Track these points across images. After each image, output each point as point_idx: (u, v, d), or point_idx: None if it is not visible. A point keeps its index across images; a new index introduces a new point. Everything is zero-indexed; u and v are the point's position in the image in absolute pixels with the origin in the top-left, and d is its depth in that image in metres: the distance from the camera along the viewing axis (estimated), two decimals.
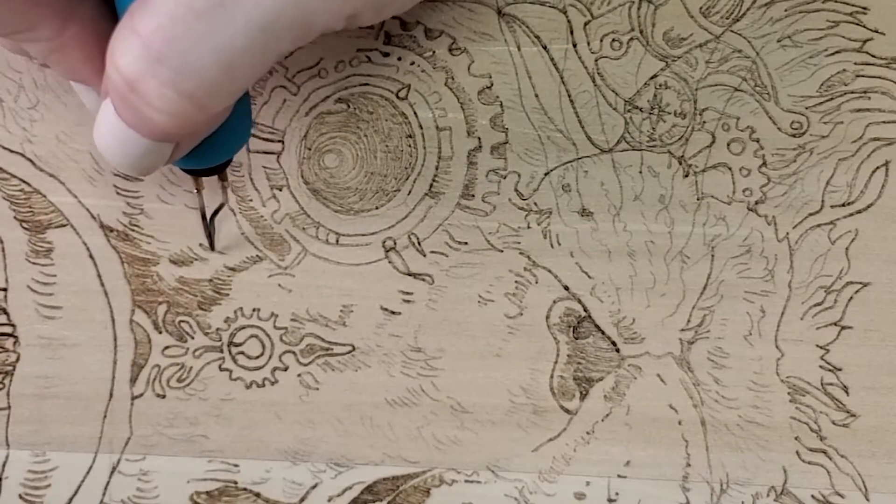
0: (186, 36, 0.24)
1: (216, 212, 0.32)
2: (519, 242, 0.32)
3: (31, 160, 0.32)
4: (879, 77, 0.32)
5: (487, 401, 0.32)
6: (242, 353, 0.32)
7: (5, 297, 0.32)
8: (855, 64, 0.32)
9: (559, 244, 0.32)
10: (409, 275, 0.32)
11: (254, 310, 0.32)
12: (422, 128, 0.32)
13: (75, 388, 0.32)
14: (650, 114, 0.32)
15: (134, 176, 0.28)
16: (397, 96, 0.32)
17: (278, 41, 0.25)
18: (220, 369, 0.32)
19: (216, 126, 0.28)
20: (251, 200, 0.32)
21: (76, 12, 0.27)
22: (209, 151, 0.28)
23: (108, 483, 0.32)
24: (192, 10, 0.24)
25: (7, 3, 0.25)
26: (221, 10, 0.24)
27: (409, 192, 0.32)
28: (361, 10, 0.26)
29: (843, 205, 0.32)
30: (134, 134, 0.25)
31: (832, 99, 0.32)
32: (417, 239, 0.32)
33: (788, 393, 0.32)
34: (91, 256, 0.32)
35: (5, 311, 0.32)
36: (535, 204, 0.32)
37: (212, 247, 0.32)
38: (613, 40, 0.32)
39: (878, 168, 0.32)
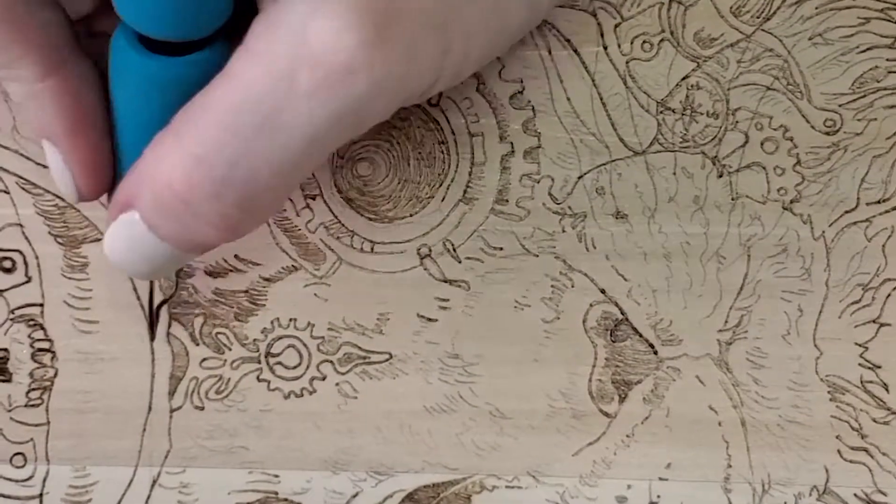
0: (246, 154, 0.24)
1: (164, 301, 0.32)
2: (554, 247, 0.32)
3: None
4: None
5: (526, 406, 0.33)
6: (280, 363, 0.33)
7: (42, 312, 0.32)
8: (887, 60, 0.32)
9: (594, 247, 0.32)
10: (445, 281, 0.33)
11: (290, 320, 0.33)
12: (454, 134, 0.32)
13: (114, 402, 0.32)
14: (683, 115, 0.32)
15: (140, 278, 0.28)
16: (429, 103, 0.32)
17: (333, 144, 0.25)
18: (258, 380, 0.33)
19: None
20: (285, 210, 0.32)
21: (62, 64, 0.27)
22: None
23: (148, 496, 0.32)
24: (248, 126, 0.24)
25: None
26: (278, 125, 0.24)
27: (443, 198, 0.32)
28: (409, 102, 0.27)
29: (879, 202, 0.32)
30: (165, 246, 0.25)
31: (865, 96, 0.32)
32: (452, 245, 0.32)
33: (828, 392, 0.33)
34: None
35: (42, 327, 0.32)
36: (570, 207, 0.32)
37: (152, 336, 0.32)
38: (644, 42, 0.32)
39: None
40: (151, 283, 0.32)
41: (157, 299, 0.33)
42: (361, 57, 0.23)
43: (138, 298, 0.33)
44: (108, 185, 0.28)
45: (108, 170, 0.28)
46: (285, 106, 0.23)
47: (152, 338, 0.32)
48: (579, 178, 0.32)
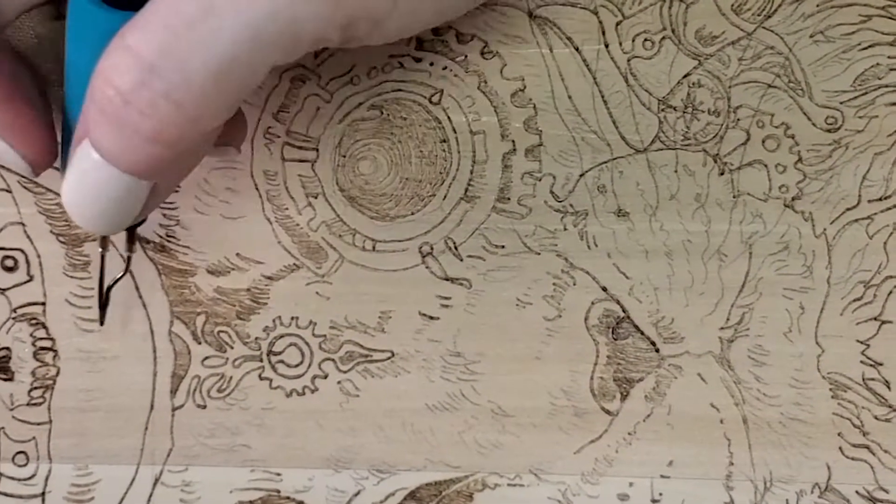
0: (178, 45, 0.24)
1: (114, 282, 0.32)
2: (556, 244, 0.32)
3: None
4: None
5: (528, 404, 0.33)
6: (282, 361, 0.33)
7: (44, 311, 0.33)
8: (888, 58, 0.32)
9: (596, 245, 0.32)
10: (447, 279, 0.33)
11: (292, 318, 0.33)
12: (456, 132, 0.32)
13: (116, 400, 0.33)
14: (684, 112, 0.32)
15: (103, 233, 0.28)
16: (430, 101, 0.32)
17: (268, 50, 0.25)
18: (260, 378, 0.33)
19: (193, 166, 0.28)
20: (287, 209, 0.32)
21: None
22: None
23: (151, 495, 0.33)
24: (183, 19, 0.24)
25: None
26: (211, 17, 0.24)
27: (445, 196, 0.32)
28: (355, 20, 0.26)
29: (881, 199, 0.32)
30: (113, 171, 0.25)
31: (866, 93, 0.32)
32: (454, 243, 0.32)
33: (830, 389, 0.33)
34: (129, 269, 0.32)
35: (44, 326, 0.33)
36: (571, 205, 0.32)
37: (101, 320, 0.32)
38: (645, 40, 0.32)
39: None
40: (102, 262, 0.32)
41: (161, 298, 0.33)
42: None
43: (140, 297, 0.33)
44: (54, 148, 0.28)
45: (49, 133, 0.28)
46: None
47: (101, 322, 0.32)
48: (581, 175, 0.33)
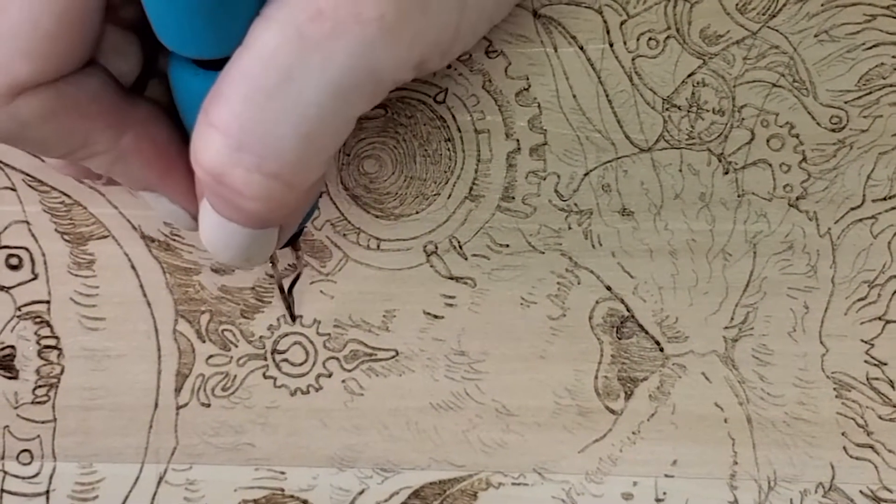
0: (261, 117, 0.24)
1: (294, 282, 0.32)
2: (560, 244, 0.33)
3: None
4: None
5: (532, 403, 0.33)
6: (286, 360, 0.33)
7: (48, 309, 0.33)
8: (893, 57, 0.32)
9: (600, 244, 0.33)
10: (451, 278, 0.33)
11: (296, 317, 0.33)
12: (460, 131, 0.32)
13: (120, 398, 0.33)
14: (689, 112, 0.32)
15: (250, 266, 0.28)
16: (435, 100, 0.32)
17: (351, 103, 0.25)
18: (265, 377, 0.33)
19: (314, 200, 0.28)
20: None
21: (128, 119, 0.27)
22: None
23: (155, 493, 0.33)
24: (263, 90, 0.24)
25: (54, 121, 0.26)
26: (290, 83, 0.24)
27: (449, 195, 0.32)
28: (427, 56, 0.26)
29: (885, 199, 0.33)
30: (235, 226, 0.26)
31: (871, 93, 0.32)
32: (458, 242, 0.33)
33: (834, 389, 0.33)
34: (133, 267, 0.33)
35: (49, 324, 0.33)
36: (576, 205, 0.33)
37: (293, 318, 0.32)
38: (650, 39, 0.32)
39: None
40: (277, 272, 0.32)
41: (165, 296, 0.33)
42: (368, 5, 0.24)
43: (145, 295, 0.33)
44: None
45: None
46: (296, 62, 0.24)
47: (293, 320, 0.33)
48: (585, 175, 0.33)
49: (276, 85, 0.24)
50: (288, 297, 0.32)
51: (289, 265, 0.32)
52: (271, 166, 0.24)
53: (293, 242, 0.31)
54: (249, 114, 0.24)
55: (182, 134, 0.28)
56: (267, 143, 0.24)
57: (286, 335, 0.33)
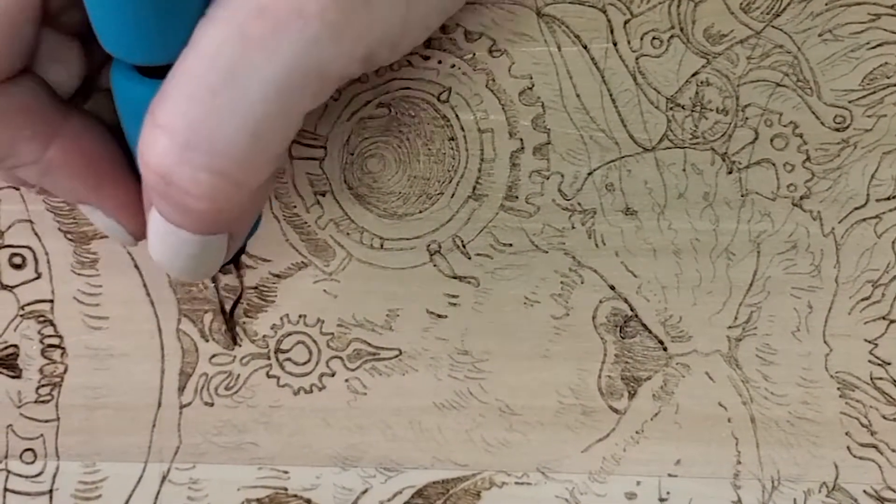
0: (207, 115, 0.24)
1: (235, 303, 0.32)
2: (564, 243, 0.33)
3: None
4: None
5: (536, 402, 0.33)
6: (289, 359, 0.33)
7: (52, 308, 0.33)
8: None
9: (604, 244, 0.33)
10: (455, 278, 0.33)
11: (300, 316, 0.33)
12: (464, 130, 0.32)
13: (124, 397, 0.33)
14: (692, 111, 0.32)
15: (199, 280, 0.28)
16: (438, 99, 0.32)
17: (297, 98, 0.25)
18: (268, 376, 0.33)
19: (261, 206, 0.28)
20: (295, 207, 0.33)
21: (58, 131, 0.27)
22: None
23: (158, 492, 0.33)
24: (207, 88, 0.24)
25: None
26: (234, 81, 0.24)
27: (453, 194, 0.32)
28: (375, 50, 0.26)
29: (889, 198, 0.33)
30: (184, 233, 0.25)
31: (875, 92, 0.32)
32: (462, 242, 0.33)
33: (838, 388, 0.33)
34: (136, 266, 0.33)
35: (52, 323, 0.33)
36: (579, 204, 0.33)
37: (234, 342, 0.32)
38: (654, 38, 0.32)
39: None
40: (218, 291, 0.32)
41: (168, 295, 0.33)
42: (312, 0, 0.23)
43: (148, 294, 0.33)
44: None
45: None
46: (239, 60, 0.24)
47: (234, 343, 0.32)
48: (589, 174, 0.33)
49: (221, 82, 0.24)
50: (229, 320, 0.32)
51: (227, 286, 0.32)
52: (219, 164, 0.24)
53: (236, 261, 0.31)
54: (195, 112, 0.24)
55: (119, 147, 0.28)
56: (214, 140, 0.24)
57: (289, 334, 0.33)
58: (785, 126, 0.33)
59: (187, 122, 0.24)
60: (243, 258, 0.32)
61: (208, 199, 0.24)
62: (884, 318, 0.33)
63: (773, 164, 0.33)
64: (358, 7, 0.25)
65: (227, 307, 0.32)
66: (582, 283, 0.33)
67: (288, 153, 0.32)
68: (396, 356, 0.33)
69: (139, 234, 0.29)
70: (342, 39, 0.24)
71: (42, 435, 0.33)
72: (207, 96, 0.24)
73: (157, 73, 0.25)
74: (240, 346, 0.33)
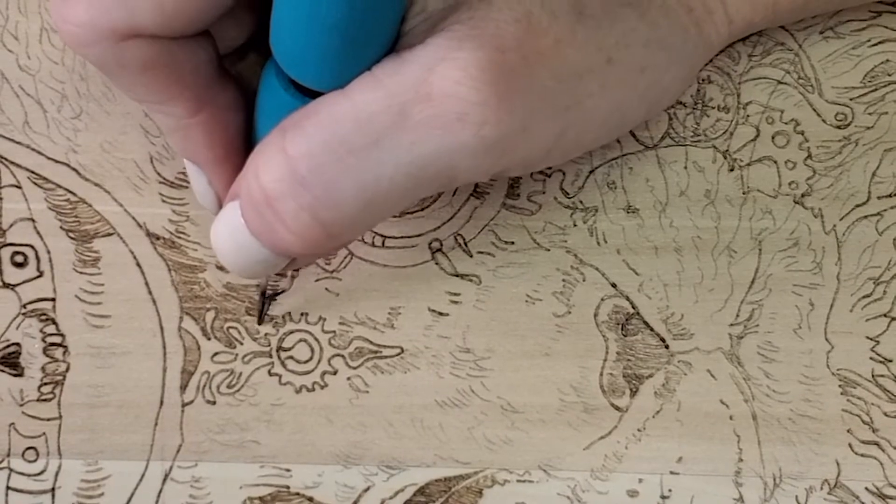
0: (335, 167, 0.25)
1: (276, 294, 0.33)
2: (565, 241, 0.33)
3: (76, 170, 0.33)
4: None
5: (537, 400, 0.33)
6: (291, 357, 0.33)
7: (54, 307, 0.33)
8: None
9: (605, 242, 0.33)
10: (457, 275, 0.33)
11: (302, 314, 0.33)
12: None
13: (126, 396, 0.33)
14: (694, 109, 0.33)
15: (238, 275, 0.28)
16: None
17: (421, 188, 0.26)
18: (270, 374, 0.33)
19: (337, 251, 0.29)
20: None
21: (213, 99, 0.28)
22: None
23: (160, 490, 0.33)
24: (347, 145, 0.24)
25: (149, 75, 0.26)
26: (375, 151, 0.24)
27: (454, 192, 0.33)
28: (510, 169, 0.27)
29: (890, 195, 0.33)
30: (256, 242, 0.26)
31: (876, 90, 0.33)
32: (464, 239, 0.33)
33: (839, 385, 0.33)
34: (138, 265, 0.33)
35: (54, 322, 0.33)
36: (581, 202, 0.33)
37: (259, 321, 0.33)
38: None
39: None
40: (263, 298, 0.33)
41: (170, 294, 0.33)
42: (475, 111, 0.24)
43: (150, 293, 0.33)
44: None
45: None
46: (389, 134, 0.24)
47: (259, 322, 0.33)
48: (591, 172, 0.33)
49: (362, 146, 0.24)
50: (265, 303, 0.33)
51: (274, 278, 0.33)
52: (324, 214, 0.25)
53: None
54: (324, 159, 0.24)
55: (248, 124, 0.29)
56: (330, 191, 0.25)
57: (291, 332, 0.33)
58: (786, 123, 0.33)
59: (314, 165, 0.24)
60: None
61: (299, 236, 0.25)
62: (885, 315, 0.33)
63: (775, 162, 0.33)
64: (516, 132, 0.25)
65: (270, 293, 0.33)
66: (583, 280, 0.33)
67: None
68: (398, 354, 0.33)
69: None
70: (487, 155, 0.25)
71: (44, 433, 0.33)
72: (343, 151, 0.24)
73: (308, 92, 0.26)
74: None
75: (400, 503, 0.33)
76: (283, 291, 0.33)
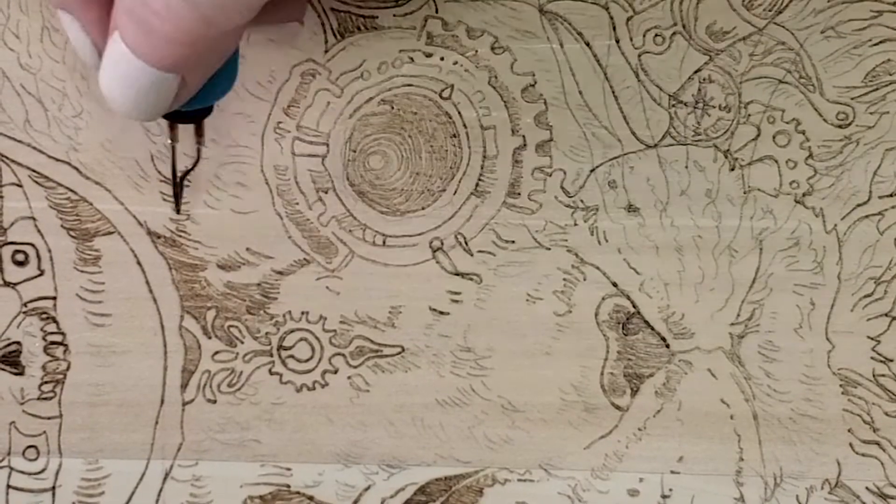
0: None
1: (187, 171, 0.32)
2: (566, 240, 0.33)
3: (77, 168, 0.33)
4: None
5: (538, 399, 0.33)
6: (292, 356, 0.33)
7: (54, 305, 0.33)
8: None
9: (606, 241, 0.33)
10: (457, 274, 0.33)
11: (302, 313, 0.33)
12: (466, 127, 0.33)
13: (126, 395, 0.33)
14: (695, 108, 0.33)
15: (141, 119, 0.28)
16: (441, 96, 0.32)
17: None
18: (271, 373, 0.33)
19: (220, 61, 0.28)
20: (297, 204, 0.33)
21: None
22: None
23: (161, 489, 0.33)
24: None
25: None
26: None
27: (455, 191, 0.33)
28: None
29: (892, 195, 0.33)
30: (137, 62, 0.26)
31: (877, 89, 0.33)
32: (464, 238, 0.33)
33: (840, 385, 0.33)
34: (139, 263, 0.33)
35: (55, 320, 0.33)
36: (582, 201, 0.33)
37: (177, 209, 0.32)
38: (656, 35, 0.32)
39: None
40: (174, 153, 0.32)
41: (171, 293, 0.33)
42: None
43: (151, 291, 0.33)
44: None
45: None
46: None
47: (177, 210, 0.32)
48: (591, 171, 0.33)
49: None
50: (178, 184, 0.32)
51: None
52: None
53: (199, 121, 0.31)
54: None
55: None
56: None
57: (292, 331, 0.33)
58: (787, 123, 0.33)
59: None
60: (205, 127, 0.32)
61: (173, 24, 0.25)
62: (886, 314, 0.33)
63: (776, 161, 0.33)
64: None
65: (180, 172, 0.32)
66: (584, 279, 0.33)
67: (290, 149, 0.33)
68: (399, 353, 0.33)
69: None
70: None
71: (45, 432, 0.33)
72: None
73: None
74: (185, 216, 0.33)
75: (400, 502, 0.33)
76: (194, 166, 0.32)
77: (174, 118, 0.30)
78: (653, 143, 0.33)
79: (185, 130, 0.31)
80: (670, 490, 0.33)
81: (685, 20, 0.32)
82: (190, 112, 0.29)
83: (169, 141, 0.31)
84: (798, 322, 0.33)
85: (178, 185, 0.32)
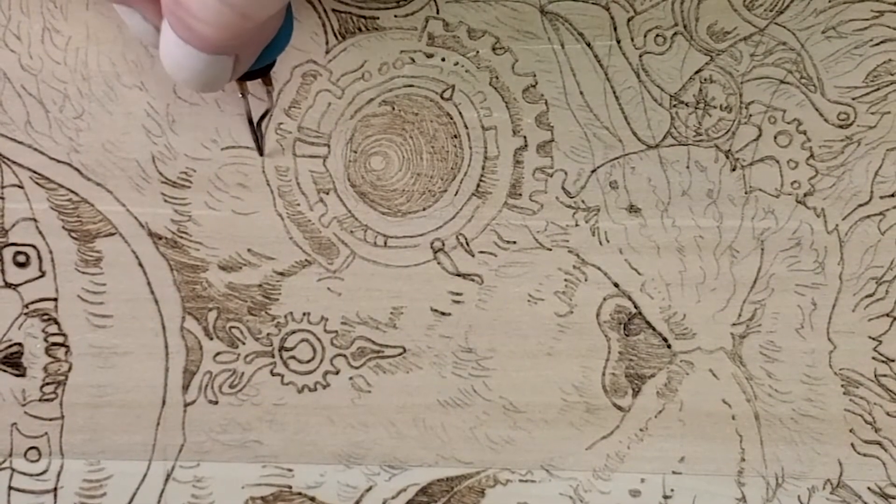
0: None
1: (263, 116, 0.33)
2: (567, 240, 0.33)
3: (78, 170, 0.33)
4: None
5: (540, 400, 0.33)
6: (294, 357, 0.33)
7: (56, 306, 0.33)
8: None
9: (608, 241, 0.33)
10: (459, 275, 0.33)
11: (304, 314, 0.33)
12: (467, 128, 0.33)
13: (128, 396, 0.33)
14: (696, 108, 0.33)
15: (205, 92, 0.29)
16: (442, 97, 0.32)
17: None
18: (272, 374, 0.33)
19: (271, 36, 0.29)
20: (298, 205, 0.33)
21: None
22: None
23: (163, 490, 0.33)
24: None
25: None
26: None
27: (457, 192, 0.33)
28: None
29: (893, 195, 0.33)
30: (192, 49, 0.26)
31: (878, 89, 0.33)
32: (466, 239, 0.33)
33: (842, 385, 0.33)
34: (140, 264, 0.33)
35: (56, 321, 0.33)
36: (583, 201, 0.33)
37: (260, 152, 0.33)
38: (657, 35, 0.32)
39: None
40: (247, 103, 0.32)
41: (173, 294, 0.33)
42: None
43: (152, 292, 0.33)
44: None
45: None
46: None
47: (261, 153, 0.33)
48: (592, 171, 0.33)
49: None
50: (256, 130, 0.33)
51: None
52: None
53: (265, 75, 0.31)
54: None
55: None
56: None
57: (294, 332, 0.33)
58: (788, 123, 0.33)
59: None
60: (273, 73, 0.32)
61: (213, 24, 0.25)
62: (888, 315, 0.33)
63: (777, 162, 0.33)
64: None
65: (256, 119, 0.33)
66: (586, 280, 0.33)
67: (291, 150, 0.33)
68: (400, 354, 0.33)
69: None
70: None
71: (46, 433, 0.33)
72: None
73: None
74: (267, 156, 0.33)
75: (402, 503, 0.33)
76: (270, 110, 0.33)
77: (241, 77, 0.30)
78: (654, 144, 0.33)
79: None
80: (672, 490, 0.33)
81: (686, 20, 0.32)
82: (254, 70, 0.30)
83: (240, 95, 0.32)
84: (799, 322, 0.33)
85: (257, 129, 0.33)
